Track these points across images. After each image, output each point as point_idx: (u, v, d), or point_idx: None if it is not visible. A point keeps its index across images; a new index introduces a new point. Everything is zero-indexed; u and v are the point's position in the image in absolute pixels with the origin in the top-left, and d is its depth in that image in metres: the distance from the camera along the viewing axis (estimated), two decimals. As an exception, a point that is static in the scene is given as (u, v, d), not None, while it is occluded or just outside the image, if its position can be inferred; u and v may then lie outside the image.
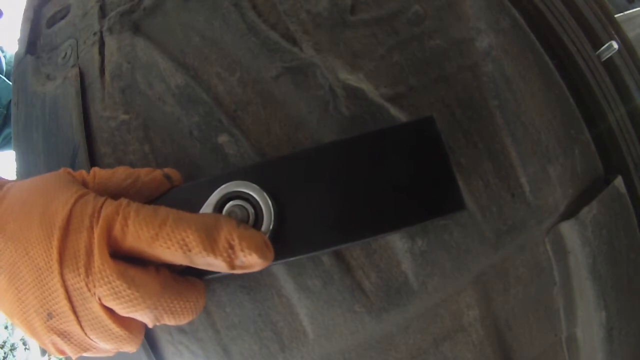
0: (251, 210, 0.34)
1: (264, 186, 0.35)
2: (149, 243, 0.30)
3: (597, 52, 0.49)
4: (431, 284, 0.39)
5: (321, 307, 0.39)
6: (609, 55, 0.49)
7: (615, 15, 0.55)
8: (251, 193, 0.34)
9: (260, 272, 0.39)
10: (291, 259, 0.35)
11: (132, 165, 0.42)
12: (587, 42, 0.48)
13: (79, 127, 0.44)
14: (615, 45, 0.48)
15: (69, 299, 0.30)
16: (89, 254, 0.30)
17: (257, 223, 0.34)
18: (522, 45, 0.44)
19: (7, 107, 1.31)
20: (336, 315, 0.39)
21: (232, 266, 0.31)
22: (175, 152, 0.41)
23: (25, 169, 0.50)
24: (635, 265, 0.45)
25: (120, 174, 0.35)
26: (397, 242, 0.39)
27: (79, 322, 0.31)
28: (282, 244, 0.34)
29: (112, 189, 0.35)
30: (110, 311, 0.31)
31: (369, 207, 0.34)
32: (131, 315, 0.31)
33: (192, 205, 0.34)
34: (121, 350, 0.34)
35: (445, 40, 0.42)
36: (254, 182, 0.35)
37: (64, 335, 0.32)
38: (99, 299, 0.30)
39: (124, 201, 0.32)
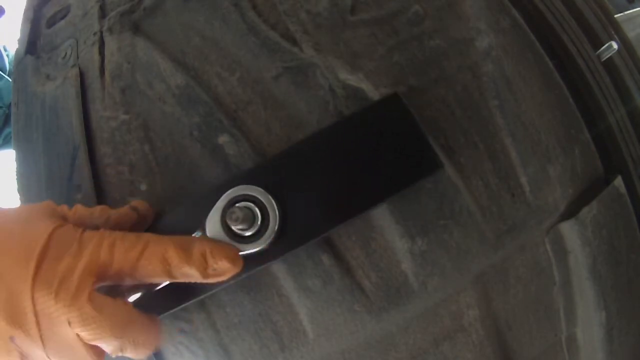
0: (257, 211, 0.36)
1: (266, 187, 0.36)
2: (133, 263, 0.33)
3: (597, 52, 0.49)
4: (431, 284, 0.39)
5: (321, 307, 0.39)
6: (608, 55, 0.49)
7: (615, 15, 0.55)
8: (256, 195, 0.36)
9: (260, 272, 0.39)
10: (293, 250, 0.37)
11: (133, 165, 0.42)
12: (587, 42, 0.48)
13: (79, 127, 0.44)
14: (615, 46, 0.48)
15: (37, 322, 0.32)
16: (65, 279, 0.32)
17: (264, 223, 0.36)
18: (522, 45, 0.44)
19: (10, 106, 1.31)
20: (336, 315, 0.39)
21: (205, 274, 0.34)
22: (175, 152, 0.41)
23: (26, 169, 0.50)
24: (635, 265, 0.46)
25: (96, 211, 0.37)
26: (397, 242, 0.39)
27: (43, 346, 0.33)
28: (284, 238, 0.36)
29: (88, 224, 0.37)
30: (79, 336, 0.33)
31: (358, 185, 0.36)
32: (96, 342, 0.33)
33: (199, 212, 0.36)
34: None
35: (445, 40, 0.42)
36: (257, 185, 0.36)
37: (24, 356, 0.34)
38: (70, 324, 0.32)
39: (105, 231, 0.34)
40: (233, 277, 0.36)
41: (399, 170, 0.36)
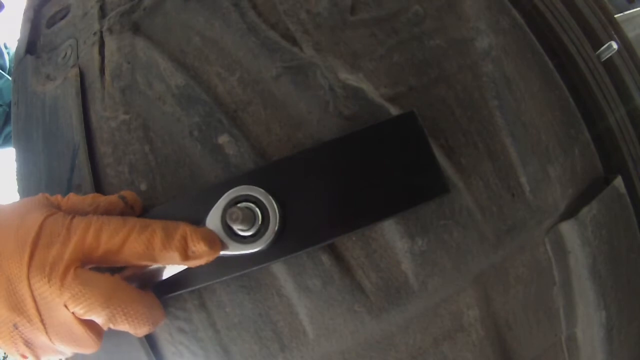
0: (257, 212, 0.36)
1: (268, 189, 0.36)
2: (119, 247, 0.35)
3: (597, 52, 0.49)
4: (431, 284, 0.39)
5: (321, 307, 0.39)
6: (608, 55, 0.49)
7: (615, 15, 0.55)
8: (258, 196, 0.36)
9: (260, 272, 0.39)
10: (294, 254, 0.37)
11: (133, 165, 0.42)
12: (587, 42, 0.48)
13: (79, 127, 0.44)
14: (615, 46, 0.48)
15: (37, 307, 0.33)
16: (55, 264, 0.33)
17: (264, 224, 0.36)
18: (522, 45, 0.44)
19: (10, 104, 1.31)
20: (336, 315, 0.39)
21: (185, 256, 0.35)
22: (175, 152, 0.41)
23: (26, 169, 0.50)
24: (635, 265, 0.46)
25: (88, 199, 0.39)
26: (397, 242, 0.39)
27: (45, 329, 0.34)
28: (284, 241, 0.36)
29: (80, 212, 0.38)
30: (76, 316, 0.34)
31: (363, 199, 0.37)
32: (88, 315, 0.34)
33: (200, 210, 0.37)
34: (81, 352, 0.37)
35: (445, 40, 0.42)
36: (258, 186, 0.36)
37: (27, 342, 0.35)
38: (65, 305, 0.33)
39: (93, 217, 0.36)
40: (228, 272, 0.37)
41: (406, 189, 0.36)
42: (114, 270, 0.37)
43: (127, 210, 0.39)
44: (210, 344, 0.40)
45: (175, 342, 0.41)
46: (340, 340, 0.39)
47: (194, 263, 0.36)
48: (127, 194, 0.39)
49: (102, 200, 0.38)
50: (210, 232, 0.36)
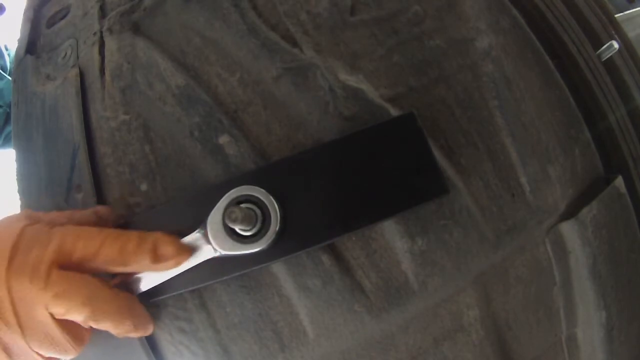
0: (258, 212, 0.36)
1: (269, 189, 0.37)
2: (95, 253, 0.36)
3: (598, 52, 0.49)
4: (431, 284, 0.39)
5: (321, 307, 0.39)
6: (609, 55, 0.49)
7: (615, 15, 0.55)
8: (258, 196, 0.37)
9: (260, 272, 0.39)
10: (294, 254, 0.37)
11: (133, 165, 0.42)
12: (587, 42, 0.48)
13: (79, 127, 0.44)
14: (616, 45, 0.48)
15: (14, 310, 0.34)
16: (36, 265, 0.34)
17: (265, 224, 0.36)
18: (522, 45, 0.44)
19: (11, 105, 1.31)
20: (336, 315, 0.39)
21: (155, 258, 0.36)
22: (175, 152, 0.41)
23: (26, 169, 0.50)
24: (635, 265, 0.46)
25: (66, 213, 0.40)
26: (397, 242, 0.39)
27: (22, 333, 0.34)
28: (285, 241, 0.37)
29: (57, 224, 0.39)
30: (54, 317, 0.35)
31: (363, 199, 0.37)
32: (68, 314, 0.34)
33: (201, 210, 0.37)
34: (60, 357, 0.37)
35: (445, 40, 0.42)
36: (259, 186, 0.37)
37: (5, 348, 0.35)
38: (45, 306, 0.34)
39: (71, 225, 0.38)
40: (228, 272, 0.37)
41: (406, 190, 0.37)
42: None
43: (101, 223, 0.40)
44: (211, 344, 0.40)
45: (176, 342, 0.41)
46: (340, 340, 0.39)
47: (163, 267, 0.37)
48: (101, 209, 0.41)
49: (77, 214, 0.40)
50: (180, 240, 0.38)
